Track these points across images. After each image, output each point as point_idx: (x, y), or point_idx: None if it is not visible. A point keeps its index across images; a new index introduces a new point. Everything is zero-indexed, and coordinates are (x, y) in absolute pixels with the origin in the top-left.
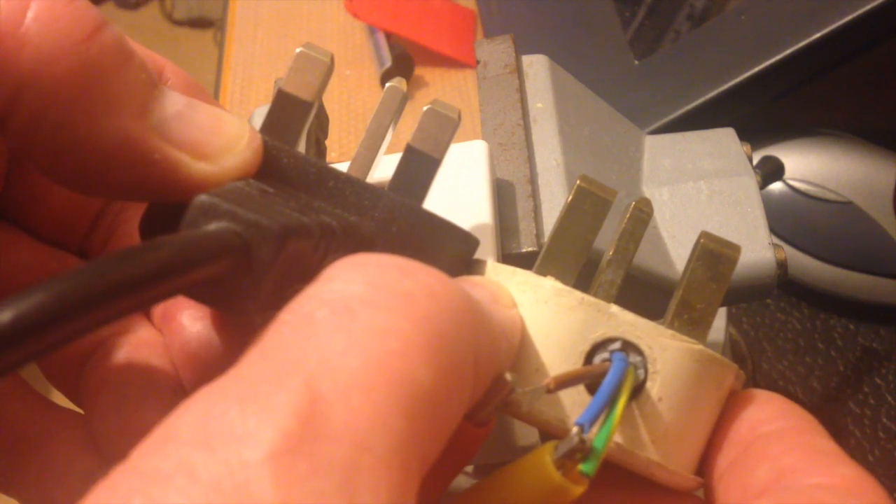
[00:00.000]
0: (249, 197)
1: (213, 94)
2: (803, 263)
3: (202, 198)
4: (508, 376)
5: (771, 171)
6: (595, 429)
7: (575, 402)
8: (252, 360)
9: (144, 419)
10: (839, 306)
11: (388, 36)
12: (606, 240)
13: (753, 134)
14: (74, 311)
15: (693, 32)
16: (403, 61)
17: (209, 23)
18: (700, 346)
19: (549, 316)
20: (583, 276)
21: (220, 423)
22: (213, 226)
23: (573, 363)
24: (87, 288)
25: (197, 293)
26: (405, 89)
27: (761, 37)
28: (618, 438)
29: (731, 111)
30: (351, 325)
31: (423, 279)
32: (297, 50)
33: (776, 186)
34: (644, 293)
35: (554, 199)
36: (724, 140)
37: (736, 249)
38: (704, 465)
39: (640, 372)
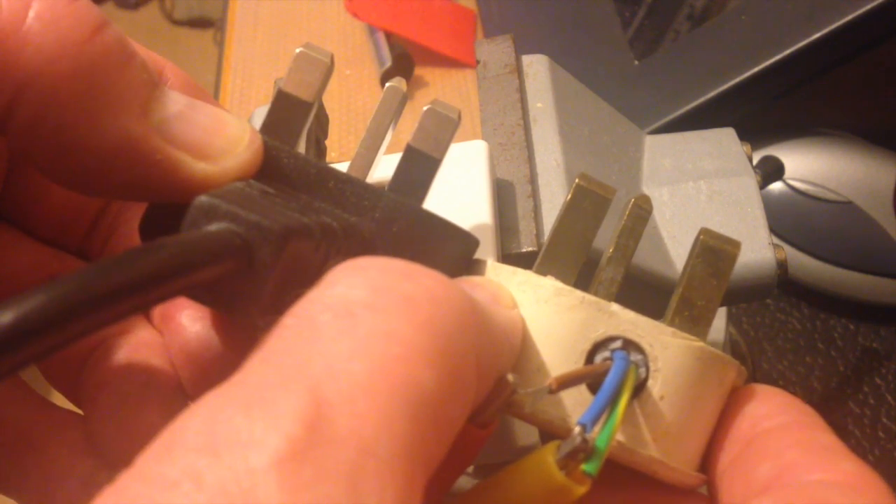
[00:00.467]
0: (250, 198)
1: (213, 95)
2: (803, 263)
3: (203, 198)
4: (511, 377)
5: (771, 171)
6: (597, 428)
7: (577, 402)
8: (256, 365)
9: (144, 420)
10: (839, 306)
11: (388, 36)
12: (606, 239)
13: (753, 134)
14: (75, 313)
15: (693, 32)
16: (403, 61)
17: (209, 23)
18: (701, 344)
19: (549, 315)
20: (583, 276)
21: (226, 428)
22: (213, 227)
23: (574, 362)
24: (88, 290)
25: (199, 295)
26: (405, 89)
27: (761, 37)
28: (620, 437)
29: (731, 111)
30: (354, 330)
31: (424, 282)
32: (297, 50)
33: (776, 186)
34: (644, 293)
35: (554, 199)
36: (724, 140)
37: (736, 245)
38: (707, 462)
39: (642, 370)
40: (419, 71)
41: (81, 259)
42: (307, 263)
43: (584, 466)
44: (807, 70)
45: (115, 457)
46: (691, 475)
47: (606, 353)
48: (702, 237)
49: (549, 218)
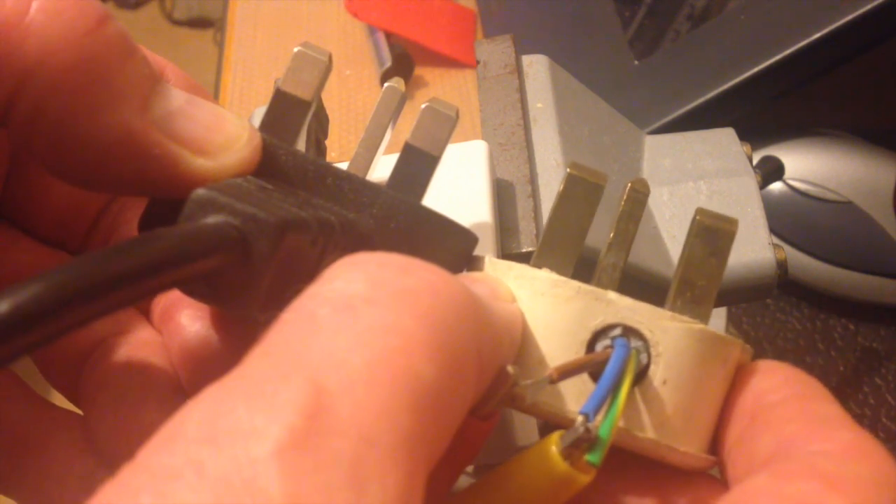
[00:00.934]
0: (248, 192)
1: (213, 94)
2: (803, 263)
3: (200, 191)
4: (511, 369)
5: (771, 171)
6: (600, 417)
7: (579, 392)
8: (256, 358)
9: (143, 419)
10: (839, 306)
11: (388, 36)
12: (602, 236)
13: (753, 134)
14: (72, 301)
15: (693, 32)
16: (403, 61)
17: (209, 23)
18: (701, 325)
19: (547, 307)
20: (582, 272)
21: (227, 419)
22: (210, 219)
23: (575, 352)
24: (85, 279)
25: (196, 289)
26: (403, 89)
27: (761, 37)
28: (623, 424)
29: (731, 111)
30: (354, 323)
31: (424, 276)
32: (295, 49)
33: (776, 186)
34: (644, 293)
35: (553, 199)
36: (724, 140)
37: (733, 223)
38: (716, 442)
39: (643, 356)
40: (419, 71)
41: None
42: (304, 257)
43: (587, 456)
44: (807, 70)
45: (115, 456)
46: (701, 457)
47: (607, 342)
48: (698, 217)
49: None
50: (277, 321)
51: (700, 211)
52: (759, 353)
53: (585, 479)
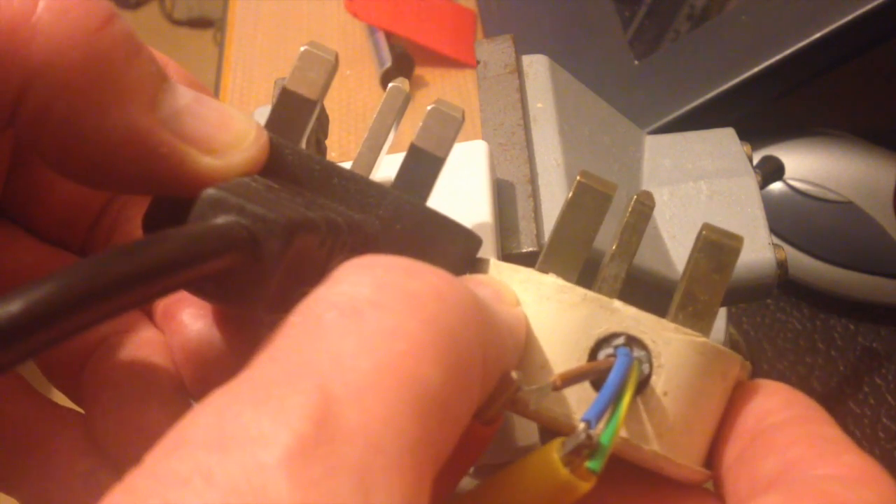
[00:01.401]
0: (257, 192)
1: (212, 94)
2: (803, 263)
3: (210, 191)
4: (515, 374)
5: (771, 171)
6: (601, 425)
7: (580, 398)
8: (263, 362)
9: (145, 418)
10: (839, 306)
11: (388, 36)
12: (607, 238)
13: (753, 134)
14: (82, 302)
15: (693, 32)
16: (403, 61)
17: (209, 23)
18: (704, 339)
19: (552, 313)
20: (585, 275)
21: (235, 425)
22: (220, 219)
23: (578, 359)
24: (96, 279)
25: (205, 289)
26: (408, 90)
27: (761, 37)
28: (624, 433)
29: (731, 111)
30: (360, 327)
31: (429, 279)
32: (302, 48)
33: (776, 186)
34: (644, 293)
35: (554, 199)
36: (724, 140)
37: (738, 240)
38: (712, 457)
39: (645, 366)
40: (419, 71)
41: (83, 257)
42: (312, 258)
43: (588, 463)
44: (807, 70)
45: (117, 455)
46: (697, 471)
47: (609, 350)
48: (704, 232)
49: (550, 218)
50: (284, 324)
51: (706, 226)
52: (759, 353)
53: (585, 486)
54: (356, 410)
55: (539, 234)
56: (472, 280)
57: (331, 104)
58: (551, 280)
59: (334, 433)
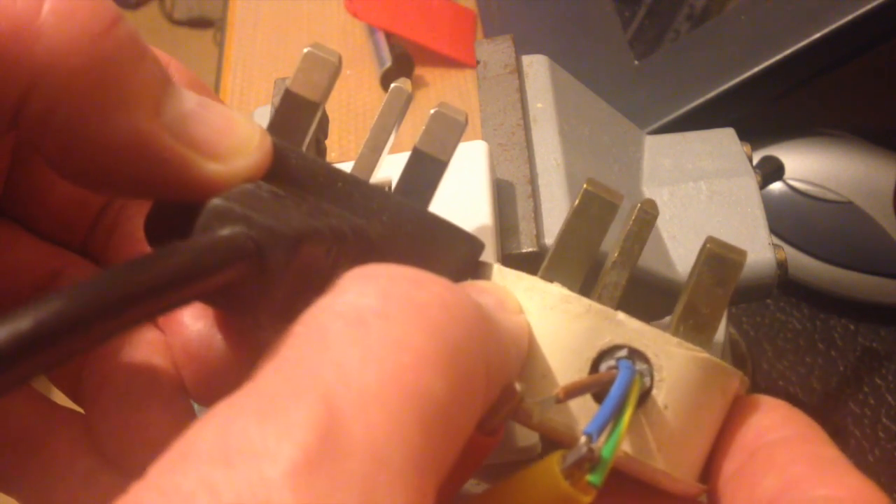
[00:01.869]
0: (262, 200)
1: (214, 93)
2: (803, 263)
3: (216, 202)
4: (518, 386)
5: (771, 171)
6: (602, 438)
7: (581, 410)
8: (268, 374)
9: (146, 419)
10: (839, 306)
11: (388, 36)
12: (608, 243)
13: (753, 134)
14: (93, 318)
15: (693, 32)
16: (403, 61)
17: (209, 23)
18: (706, 355)
19: (556, 322)
20: (585, 281)
21: (240, 439)
22: (226, 230)
23: (580, 369)
24: (105, 295)
25: (210, 298)
26: (410, 90)
27: (761, 37)
28: (624, 447)
29: (731, 111)
30: (365, 338)
31: (434, 290)
32: (305, 50)
33: (776, 186)
34: (643, 293)
35: (554, 200)
36: (724, 140)
37: (742, 254)
38: (708, 471)
39: (646, 380)
40: (419, 71)
41: (83, 256)
42: (318, 267)
43: (588, 477)
44: (807, 70)
45: (117, 456)
46: (693, 485)
47: (611, 362)
48: (708, 245)
49: (550, 218)
50: (288, 334)
51: (711, 239)
52: (760, 353)
53: (586, 499)
54: (361, 423)
55: (539, 235)
56: (475, 287)
57: (330, 104)
58: (556, 289)
59: (339, 447)
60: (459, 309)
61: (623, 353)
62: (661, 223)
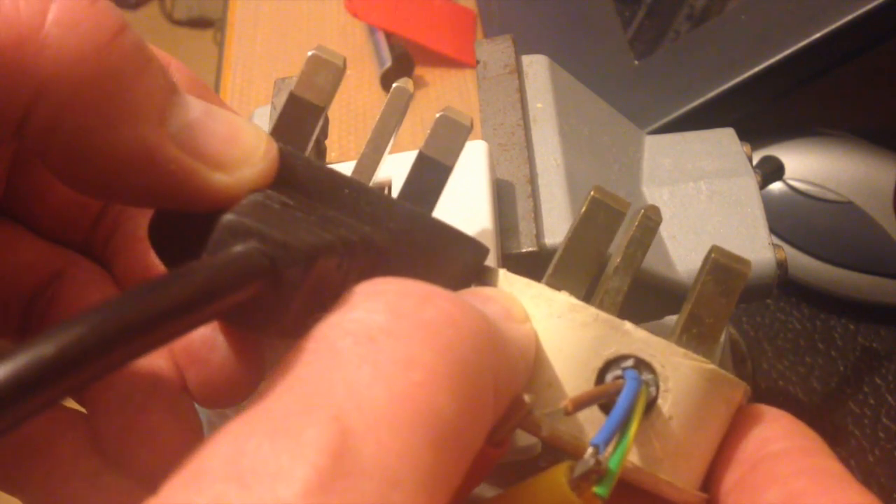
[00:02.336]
0: (273, 213)
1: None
2: (803, 263)
3: (229, 217)
4: (527, 398)
5: (771, 171)
6: (609, 449)
7: (587, 420)
8: (279, 391)
9: (149, 420)
10: (839, 306)
11: (388, 36)
12: (611, 247)
13: (753, 134)
14: (116, 342)
15: (693, 32)
16: (403, 61)
17: (209, 23)
18: (712, 366)
19: (562, 331)
20: (589, 285)
21: (253, 458)
22: (240, 247)
23: (586, 379)
24: (128, 318)
25: (224, 317)
26: (412, 90)
27: (761, 37)
28: (630, 457)
29: (731, 111)
30: (375, 356)
31: (443, 306)
32: (309, 53)
33: (776, 186)
34: (642, 293)
35: (554, 200)
36: (724, 140)
37: (746, 265)
38: (710, 481)
39: (652, 390)
40: (419, 71)
41: (85, 255)
42: (330, 281)
43: (596, 488)
44: (807, 70)
45: (120, 457)
46: (695, 495)
47: (618, 372)
48: (713, 255)
49: (549, 218)
50: (298, 350)
51: (715, 249)
52: (759, 353)
53: None
54: (372, 443)
55: (539, 234)
56: (480, 295)
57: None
58: (563, 298)
59: (351, 467)
60: (467, 324)
61: (629, 363)
62: (662, 223)
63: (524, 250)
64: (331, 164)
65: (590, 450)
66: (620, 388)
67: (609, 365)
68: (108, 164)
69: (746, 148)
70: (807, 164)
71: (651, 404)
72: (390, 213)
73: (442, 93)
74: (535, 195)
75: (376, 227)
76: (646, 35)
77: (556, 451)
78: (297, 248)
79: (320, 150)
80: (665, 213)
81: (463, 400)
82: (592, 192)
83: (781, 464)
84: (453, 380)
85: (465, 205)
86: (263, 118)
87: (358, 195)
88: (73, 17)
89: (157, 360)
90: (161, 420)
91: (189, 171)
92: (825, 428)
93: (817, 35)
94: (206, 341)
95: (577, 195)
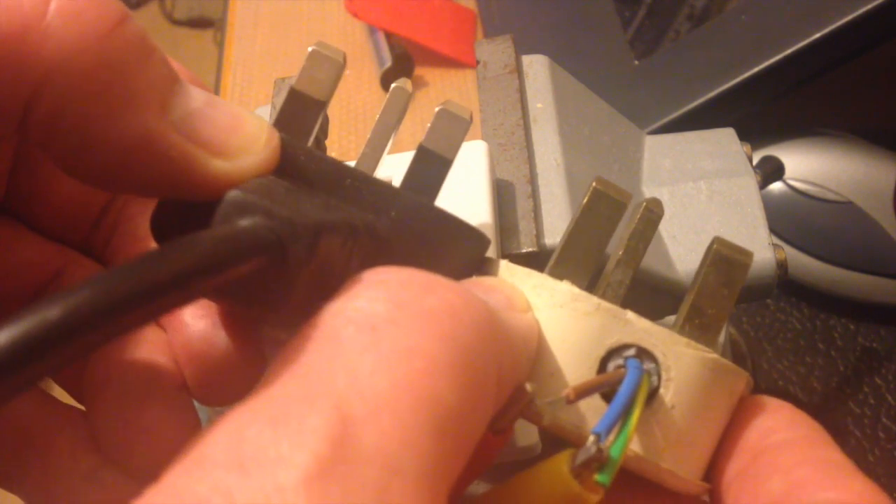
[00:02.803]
0: (278, 193)
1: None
2: (803, 263)
3: (235, 193)
4: (529, 387)
5: (771, 171)
6: (611, 437)
7: (588, 408)
8: (281, 379)
9: (147, 417)
10: (839, 306)
11: (388, 36)
12: (613, 240)
13: (753, 134)
14: (122, 306)
15: (693, 32)
16: (403, 61)
17: (209, 23)
18: (714, 356)
19: (565, 320)
20: (591, 277)
21: (254, 445)
22: (246, 221)
23: (588, 368)
24: (134, 284)
25: (230, 293)
26: (411, 90)
27: (761, 37)
28: (632, 446)
29: (731, 111)
30: (377, 345)
31: (445, 296)
32: (310, 49)
33: (776, 186)
34: (642, 292)
35: (554, 199)
36: (724, 140)
37: (748, 255)
38: (712, 471)
39: (654, 379)
40: (419, 71)
41: (85, 255)
42: (334, 261)
43: (597, 476)
44: (807, 70)
45: (119, 454)
46: (697, 484)
47: (619, 361)
48: (715, 246)
49: (549, 218)
50: (299, 337)
51: (718, 240)
52: (760, 353)
53: (594, 498)
54: (373, 431)
55: (539, 234)
56: (483, 285)
57: (330, 104)
58: (566, 287)
59: (352, 454)
60: (469, 313)
61: (631, 352)
62: (661, 223)
63: (524, 250)
64: (348, 164)
65: (591, 438)
66: (622, 377)
67: (611, 354)
68: (111, 153)
69: (746, 148)
70: (807, 164)
71: (653, 393)
72: (393, 202)
73: (442, 93)
74: (535, 195)
75: (379, 216)
76: (646, 35)
77: (558, 443)
78: (303, 224)
79: (320, 150)
80: (665, 213)
81: (464, 388)
82: (594, 184)
83: (784, 454)
84: (455, 368)
85: (465, 204)
86: (264, 118)
87: (360, 185)
88: (75, 7)
89: (155, 357)
90: (159, 417)
91: (191, 159)
92: (825, 428)
93: (817, 35)
94: (204, 338)
95: (577, 195)
